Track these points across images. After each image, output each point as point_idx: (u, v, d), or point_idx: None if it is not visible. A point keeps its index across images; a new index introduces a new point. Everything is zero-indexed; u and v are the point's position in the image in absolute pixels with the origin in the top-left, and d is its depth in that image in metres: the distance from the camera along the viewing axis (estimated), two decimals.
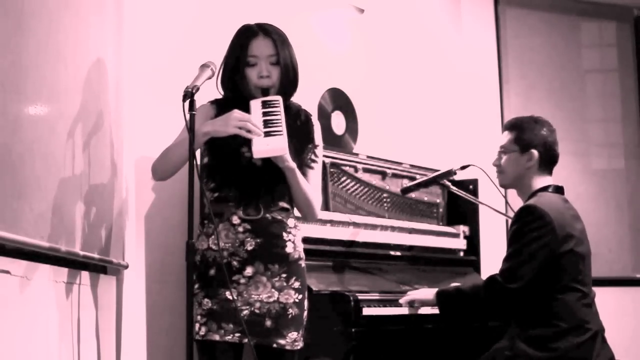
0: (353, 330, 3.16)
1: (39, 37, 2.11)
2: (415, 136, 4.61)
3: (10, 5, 1.92)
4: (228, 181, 2.79)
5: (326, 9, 4.13)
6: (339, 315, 3.18)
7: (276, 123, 2.69)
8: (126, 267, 2.96)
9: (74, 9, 2.42)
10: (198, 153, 2.81)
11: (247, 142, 2.69)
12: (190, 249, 2.49)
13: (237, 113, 2.67)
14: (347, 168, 3.74)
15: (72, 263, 2.40)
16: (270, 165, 2.74)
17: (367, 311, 3.22)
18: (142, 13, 3.21)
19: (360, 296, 3.24)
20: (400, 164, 4.02)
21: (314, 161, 2.89)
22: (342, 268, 3.53)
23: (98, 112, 2.65)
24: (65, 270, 2.36)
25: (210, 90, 2.86)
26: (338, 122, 4.04)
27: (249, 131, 2.64)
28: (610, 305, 4.05)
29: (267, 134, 2.67)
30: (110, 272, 2.89)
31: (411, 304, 3.35)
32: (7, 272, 1.91)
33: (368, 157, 3.85)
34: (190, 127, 2.50)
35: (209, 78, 2.67)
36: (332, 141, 3.90)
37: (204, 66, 2.67)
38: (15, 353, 1.97)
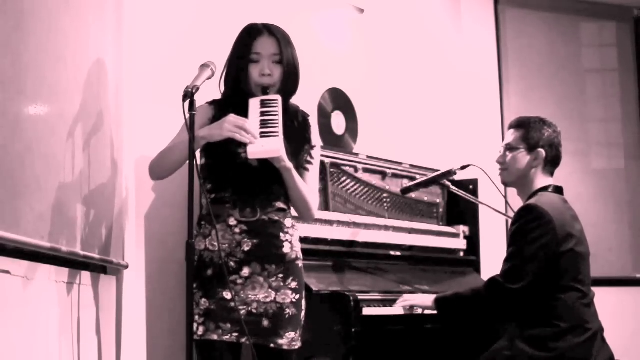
0: (353, 330, 3.16)
1: (39, 37, 2.11)
2: (415, 136, 4.61)
3: (10, 5, 1.92)
4: (224, 183, 2.79)
5: (326, 9, 4.13)
6: (339, 315, 3.18)
7: (273, 124, 2.69)
8: (126, 267, 2.96)
9: (74, 9, 2.42)
10: (197, 153, 2.81)
11: (244, 144, 2.69)
12: (190, 249, 2.49)
13: (232, 117, 2.66)
14: (347, 168, 3.74)
15: (73, 263, 2.40)
16: (267, 165, 2.73)
17: (367, 311, 3.22)
18: (142, 13, 3.21)
19: (360, 296, 3.24)
20: (400, 164, 4.02)
21: (309, 162, 2.89)
22: (342, 268, 3.53)
23: (98, 112, 2.65)
24: (65, 270, 2.36)
25: (210, 91, 2.86)
26: (338, 122, 4.04)
27: (243, 135, 2.64)
28: (610, 305, 4.05)
29: (262, 135, 2.67)
30: (111, 272, 2.89)
31: (410, 308, 3.35)
32: (8, 272, 1.91)
33: (368, 157, 3.85)
34: (190, 127, 2.50)
35: (209, 78, 2.67)
36: (332, 141, 3.90)
37: (204, 66, 2.67)
38: (16, 353, 1.97)
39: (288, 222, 2.83)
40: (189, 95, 2.51)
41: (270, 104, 2.75)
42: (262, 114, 2.72)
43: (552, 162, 3.20)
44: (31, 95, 2.05)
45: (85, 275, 2.55)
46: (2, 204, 1.85)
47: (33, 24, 2.06)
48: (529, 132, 3.19)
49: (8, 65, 1.89)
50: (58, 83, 2.27)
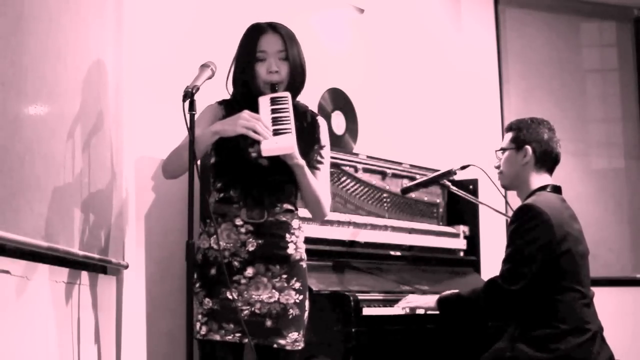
0: (353, 330, 3.16)
1: (39, 37, 2.11)
2: (415, 136, 4.61)
3: (10, 5, 1.92)
4: (234, 182, 2.77)
5: (326, 9, 4.13)
6: (339, 315, 3.18)
7: (285, 121, 2.68)
8: (126, 267, 2.96)
9: (74, 9, 2.42)
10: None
11: (256, 142, 2.67)
12: (190, 249, 2.48)
13: (246, 113, 2.66)
14: (347, 168, 3.74)
15: (72, 263, 2.40)
16: (277, 165, 2.73)
17: (367, 311, 3.22)
18: (142, 13, 3.21)
19: (360, 296, 3.24)
20: (400, 164, 4.02)
21: (320, 162, 2.88)
22: (342, 268, 3.53)
23: (98, 112, 2.65)
24: (65, 270, 2.36)
25: (210, 91, 2.85)
26: (338, 122, 4.04)
27: (256, 132, 2.63)
28: (610, 305, 4.05)
29: (275, 132, 2.66)
30: (110, 272, 2.89)
31: (412, 309, 3.35)
32: (7, 272, 1.91)
33: (368, 157, 3.85)
34: (190, 127, 2.50)
35: (209, 78, 2.66)
36: (332, 141, 3.88)
37: (204, 66, 2.67)
38: (15, 353, 1.97)
39: (295, 223, 2.83)
40: (188, 95, 2.50)
41: (280, 101, 2.74)
42: (273, 111, 2.71)
43: (543, 159, 3.18)
44: (31, 96, 2.05)
45: (85, 275, 2.55)
46: (2, 204, 1.85)
47: (33, 24, 2.06)
48: (519, 132, 3.20)
49: (8, 65, 1.89)
50: (58, 83, 2.28)
